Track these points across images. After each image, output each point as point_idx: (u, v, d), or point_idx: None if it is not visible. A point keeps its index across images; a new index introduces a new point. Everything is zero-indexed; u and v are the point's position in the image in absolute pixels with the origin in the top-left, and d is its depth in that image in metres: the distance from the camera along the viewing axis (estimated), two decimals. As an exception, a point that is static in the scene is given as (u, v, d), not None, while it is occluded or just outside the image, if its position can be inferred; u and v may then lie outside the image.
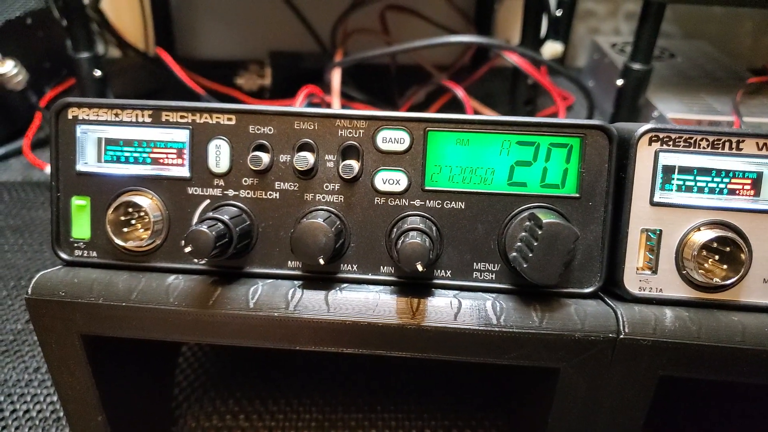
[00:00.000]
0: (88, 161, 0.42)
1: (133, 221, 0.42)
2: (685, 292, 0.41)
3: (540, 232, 0.37)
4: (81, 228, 0.43)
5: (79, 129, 0.42)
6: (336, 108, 0.93)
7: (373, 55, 0.94)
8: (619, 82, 0.95)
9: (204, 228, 0.37)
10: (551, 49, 1.08)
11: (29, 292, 0.40)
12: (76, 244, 0.43)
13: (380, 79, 1.17)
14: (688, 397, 0.46)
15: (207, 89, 1.05)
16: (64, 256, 0.43)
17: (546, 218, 0.37)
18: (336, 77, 0.94)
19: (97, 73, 0.99)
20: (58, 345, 0.41)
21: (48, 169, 0.91)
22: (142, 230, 0.42)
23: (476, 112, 1.02)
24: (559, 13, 1.14)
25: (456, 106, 1.12)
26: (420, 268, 0.36)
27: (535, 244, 0.37)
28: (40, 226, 0.87)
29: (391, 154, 0.41)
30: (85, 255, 0.43)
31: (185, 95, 1.00)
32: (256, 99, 1.14)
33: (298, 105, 0.92)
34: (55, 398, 0.60)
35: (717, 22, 1.33)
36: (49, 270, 0.42)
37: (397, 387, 0.62)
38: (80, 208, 0.43)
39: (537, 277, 0.37)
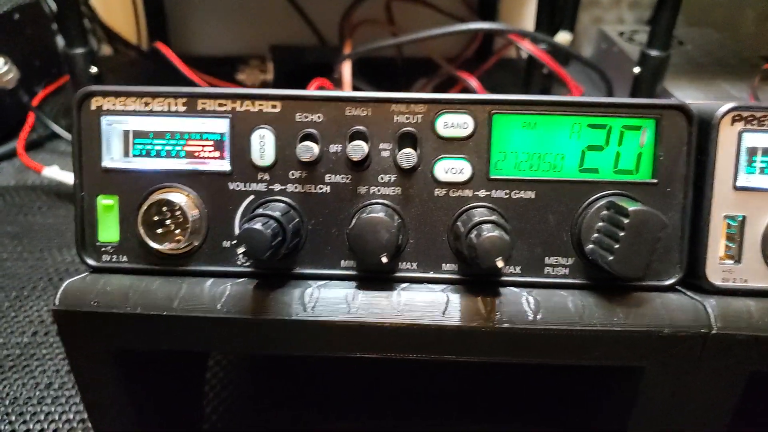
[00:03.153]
0: (114, 156, 0.38)
1: (167, 221, 0.38)
2: (772, 282, 0.38)
3: (626, 222, 0.34)
4: (109, 230, 0.39)
5: (105, 121, 0.38)
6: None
7: (385, 45, 0.90)
8: (636, 69, 0.93)
9: (258, 226, 0.33)
10: (562, 38, 1.05)
11: (56, 302, 0.36)
12: (103, 249, 0.39)
13: (386, 71, 1.14)
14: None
15: (197, 85, 1.01)
16: (91, 261, 0.39)
17: (631, 206, 0.34)
18: (347, 69, 0.91)
19: (93, 69, 0.94)
20: (89, 361, 0.37)
21: (45, 172, 0.86)
22: (178, 231, 0.38)
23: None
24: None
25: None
26: (500, 264, 0.32)
27: (621, 234, 0.34)
28: (39, 232, 0.82)
29: (452, 140, 0.37)
30: (114, 260, 0.39)
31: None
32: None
33: (308, 99, 0.88)
34: (71, 416, 0.56)
35: (721, 10, 1.32)
36: (76, 278, 0.38)
37: (451, 393, 0.59)
38: (107, 208, 0.39)
39: (623, 270, 0.34)
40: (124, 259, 0.39)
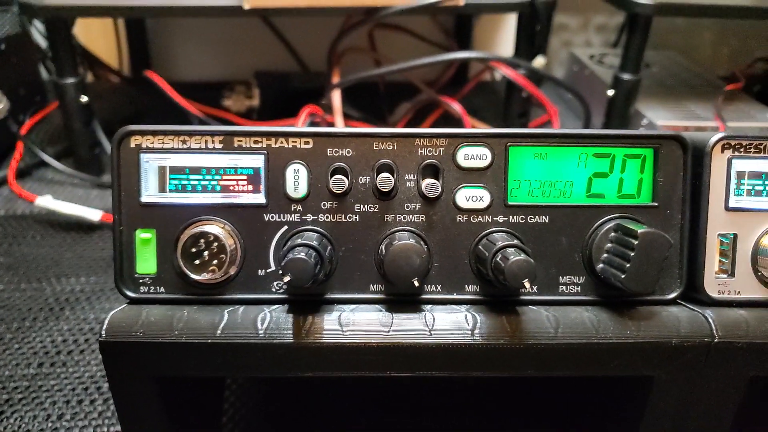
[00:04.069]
0: (151, 191, 0.40)
1: (205, 252, 0.40)
2: (762, 293, 0.42)
3: (635, 243, 0.37)
4: (146, 262, 0.40)
5: (143, 158, 0.40)
6: (340, 126, 0.92)
7: (374, 74, 0.94)
8: (610, 92, 0.98)
9: (303, 255, 0.35)
10: (538, 62, 1.10)
11: (103, 334, 0.37)
12: (141, 280, 0.41)
13: (370, 96, 1.17)
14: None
15: (188, 112, 1.02)
16: (129, 293, 0.40)
17: (639, 228, 0.38)
18: (336, 97, 0.94)
19: (84, 98, 0.95)
20: (132, 388, 0.38)
21: (39, 201, 0.86)
22: (215, 261, 0.40)
23: (472, 126, 1.03)
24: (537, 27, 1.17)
25: (446, 121, 1.12)
26: (527, 285, 0.35)
27: (632, 254, 0.37)
28: (33, 262, 0.82)
29: (472, 170, 0.41)
30: (151, 291, 0.41)
31: (174, 118, 0.97)
32: (245, 120, 1.11)
33: (300, 125, 0.91)
34: (88, 447, 0.56)
35: (680, 34, 1.40)
36: (117, 309, 0.39)
37: (459, 409, 0.61)
38: (145, 241, 0.40)
39: (635, 287, 0.37)
40: (162, 289, 0.41)
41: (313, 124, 0.94)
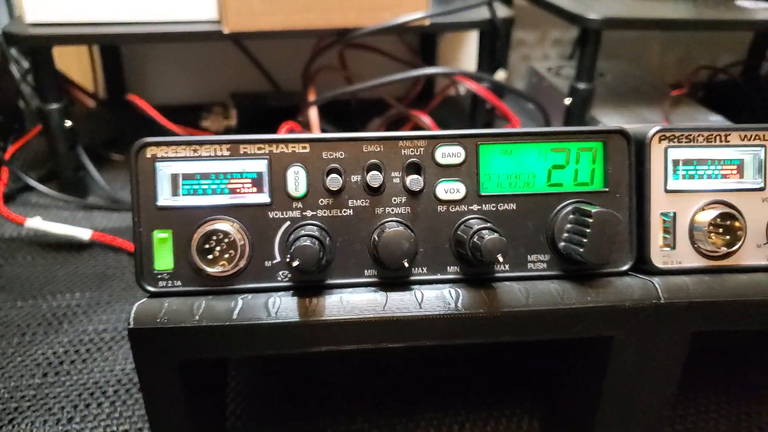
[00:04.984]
0: (166, 196, 0.45)
1: (217, 248, 0.45)
2: (699, 262, 0.49)
3: (591, 221, 0.44)
4: (164, 260, 0.45)
5: (158, 166, 0.45)
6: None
7: (348, 91, 1.00)
8: (567, 100, 1.06)
9: (308, 242, 0.41)
10: (500, 76, 1.18)
11: (131, 323, 0.42)
12: (159, 276, 0.45)
13: (342, 111, 1.23)
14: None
15: (173, 132, 1.07)
16: (149, 288, 0.45)
17: (593, 209, 0.44)
18: (313, 114, 1.00)
19: (68, 123, 0.99)
20: (156, 371, 0.43)
21: (28, 223, 0.90)
22: (226, 255, 0.45)
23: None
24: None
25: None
26: (501, 258, 0.41)
27: (588, 231, 0.44)
28: (27, 281, 0.85)
29: (449, 167, 0.47)
30: (169, 285, 0.45)
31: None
32: (224, 139, 1.16)
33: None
34: (102, 443, 0.60)
35: (630, 45, 1.50)
36: (141, 301, 0.44)
37: (444, 380, 0.67)
38: (162, 240, 0.45)
39: (593, 259, 0.44)
40: (178, 283, 0.45)
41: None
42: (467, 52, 1.45)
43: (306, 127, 1.02)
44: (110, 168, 1.14)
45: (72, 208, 1.03)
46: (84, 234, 0.91)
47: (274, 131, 1.03)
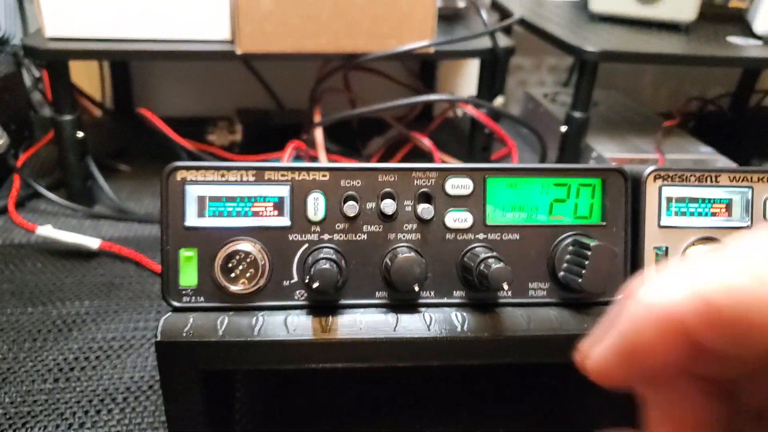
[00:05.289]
0: (193, 217, 0.48)
1: (239, 267, 0.48)
2: (688, 294, 0.52)
3: (589, 253, 0.47)
4: (188, 276, 0.48)
5: (187, 189, 0.48)
6: (323, 160, 1.01)
7: (354, 114, 1.03)
8: (563, 128, 1.10)
9: (327, 266, 0.44)
10: (498, 102, 1.22)
11: (158, 336, 0.44)
12: (184, 292, 0.48)
13: (344, 131, 1.26)
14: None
15: (179, 146, 1.10)
16: (174, 303, 0.48)
17: (591, 242, 0.48)
18: (319, 134, 1.03)
19: (80, 134, 1.01)
20: (180, 382, 0.45)
21: (39, 230, 0.92)
22: (248, 274, 0.48)
23: (442, 160, 1.13)
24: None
25: (416, 154, 1.23)
26: (506, 287, 0.45)
27: (586, 263, 0.47)
28: (37, 287, 0.87)
29: (458, 197, 0.50)
30: (192, 300, 0.48)
31: (162, 151, 1.04)
32: (229, 153, 1.19)
33: (286, 158, 0.99)
34: (113, 448, 0.62)
35: (624, 76, 1.55)
36: (166, 316, 0.46)
37: (448, 400, 0.69)
38: (188, 258, 0.48)
39: (590, 289, 0.47)
40: (201, 299, 0.48)
41: (297, 157, 1.03)
42: (466, 76, 1.49)
43: (311, 146, 1.05)
44: (117, 178, 1.16)
45: (79, 217, 1.05)
46: (93, 243, 0.93)
47: (279, 148, 1.07)
